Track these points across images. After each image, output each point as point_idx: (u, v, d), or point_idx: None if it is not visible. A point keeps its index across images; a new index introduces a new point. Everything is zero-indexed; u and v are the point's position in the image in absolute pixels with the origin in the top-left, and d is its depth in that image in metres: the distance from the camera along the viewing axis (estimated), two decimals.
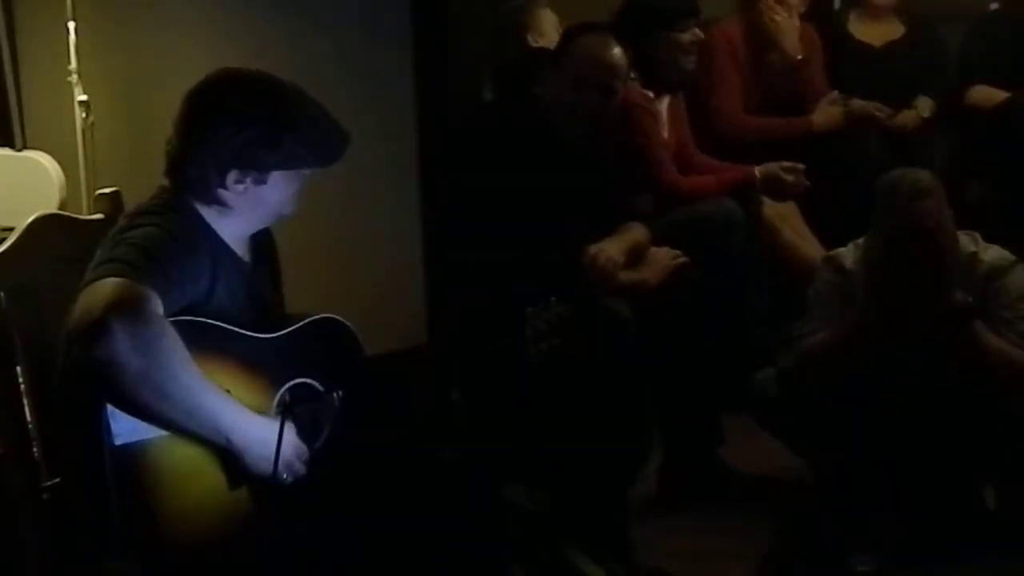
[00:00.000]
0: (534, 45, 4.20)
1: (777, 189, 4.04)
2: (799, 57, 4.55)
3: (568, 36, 3.50)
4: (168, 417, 2.12)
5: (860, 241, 3.44)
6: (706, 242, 3.66)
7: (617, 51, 3.41)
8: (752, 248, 3.98)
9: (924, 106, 4.69)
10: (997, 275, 3.31)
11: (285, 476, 2.24)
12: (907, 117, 4.67)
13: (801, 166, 4.01)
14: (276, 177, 2.33)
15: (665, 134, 4.00)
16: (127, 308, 2.06)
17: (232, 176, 2.29)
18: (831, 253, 3.56)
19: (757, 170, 3.99)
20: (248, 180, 2.31)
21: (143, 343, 2.05)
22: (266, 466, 2.21)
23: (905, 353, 3.30)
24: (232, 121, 2.28)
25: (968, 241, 3.38)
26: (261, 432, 2.21)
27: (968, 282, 3.31)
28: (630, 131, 3.82)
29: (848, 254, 3.45)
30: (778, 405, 3.49)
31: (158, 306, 2.11)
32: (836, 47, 4.81)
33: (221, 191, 2.31)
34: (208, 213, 2.34)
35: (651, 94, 3.92)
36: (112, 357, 2.04)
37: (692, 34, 3.94)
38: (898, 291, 3.25)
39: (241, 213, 2.35)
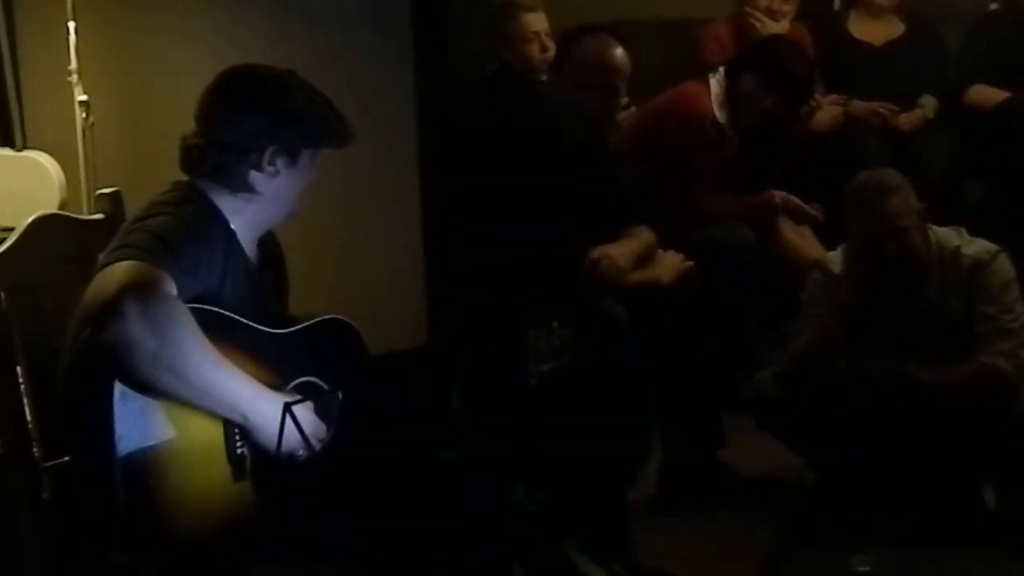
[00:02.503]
0: (507, 60, 4.08)
1: (796, 215, 4.04)
2: None
3: (568, 38, 3.48)
4: (183, 396, 2.13)
5: None
6: (717, 264, 3.63)
7: (619, 51, 3.39)
8: (761, 265, 3.97)
9: (929, 106, 4.69)
10: (980, 267, 3.32)
11: (299, 454, 2.25)
12: (912, 117, 4.67)
13: (820, 215, 4.01)
14: (303, 159, 2.39)
15: (725, 153, 3.96)
16: (140, 289, 2.08)
17: (268, 154, 2.34)
18: (820, 257, 3.60)
19: (777, 196, 3.98)
20: (280, 161, 2.36)
21: (156, 323, 2.06)
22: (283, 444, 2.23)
23: (899, 354, 3.32)
24: (256, 104, 2.36)
25: (952, 235, 3.39)
26: (277, 410, 2.21)
27: (952, 278, 3.33)
28: (681, 143, 3.81)
29: (836, 258, 3.48)
30: (778, 405, 3.50)
31: (171, 287, 2.13)
32: (836, 47, 4.80)
33: (254, 173, 2.35)
34: (227, 204, 2.36)
35: (722, 117, 3.88)
36: (125, 337, 2.05)
37: (811, 108, 3.97)
38: (881, 290, 3.28)
39: (263, 202, 2.38)
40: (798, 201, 3.99)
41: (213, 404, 2.17)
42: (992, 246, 3.35)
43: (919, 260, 3.30)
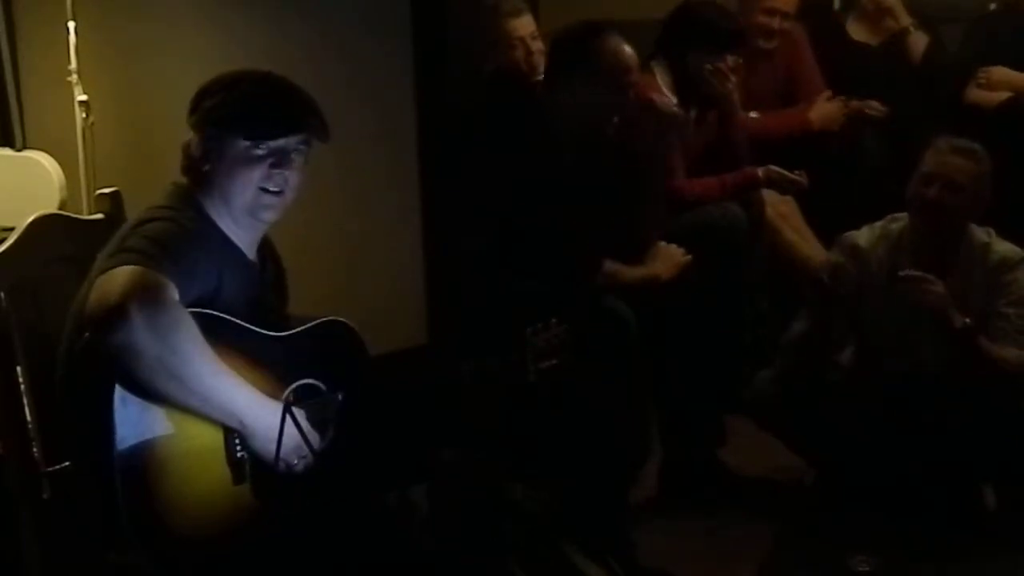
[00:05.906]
0: (489, 68, 4.05)
1: (780, 184, 4.03)
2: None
3: (582, 39, 3.46)
4: (183, 401, 2.14)
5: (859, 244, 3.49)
6: (711, 247, 3.65)
7: (628, 45, 3.43)
8: (754, 251, 3.98)
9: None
10: (1005, 269, 3.36)
11: (295, 462, 2.25)
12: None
13: (804, 180, 4.01)
14: (230, 147, 2.32)
15: (685, 139, 3.94)
16: (145, 295, 2.08)
17: (193, 140, 2.34)
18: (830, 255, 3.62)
19: (760, 170, 3.98)
20: (208, 147, 2.32)
21: (160, 329, 2.07)
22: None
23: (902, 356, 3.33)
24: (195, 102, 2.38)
25: (982, 233, 3.42)
26: (275, 418, 2.22)
27: (978, 271, 3.35)
28: (646, 134, 3.81)
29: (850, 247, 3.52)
30: (778, 405, 3.50)
31: (174, 293, 2.13)
32: (834, 47, 4.80)
33: (192, 163, 2.35)
34: (211, 206, 2.35)
35: (675, 101, 3.86)
36: (130, 343, 2.05)
37: (734, 60, 3.89)
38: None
39: (224, 198, 2.34)
40: (780, 170, 3.97)
41: (212, 410, 2.17)
42: (1020, 250, 3.40)
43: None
